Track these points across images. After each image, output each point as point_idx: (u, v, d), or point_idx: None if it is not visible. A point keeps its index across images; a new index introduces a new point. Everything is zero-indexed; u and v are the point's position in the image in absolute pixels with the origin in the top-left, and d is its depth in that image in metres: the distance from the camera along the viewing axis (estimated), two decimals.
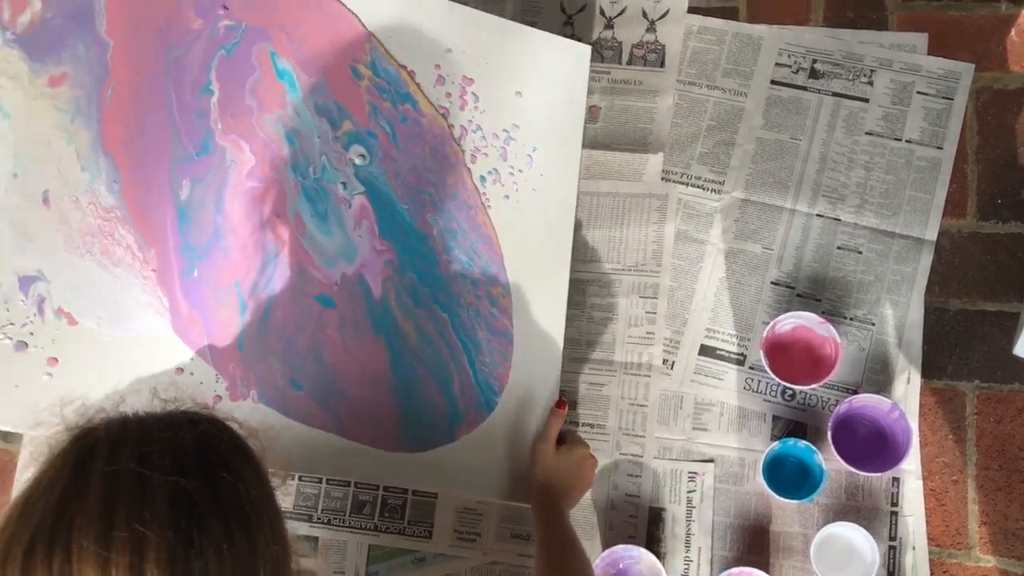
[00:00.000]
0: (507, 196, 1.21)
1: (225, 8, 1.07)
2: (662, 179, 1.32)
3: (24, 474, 0.63)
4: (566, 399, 1.21)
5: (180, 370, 1.03)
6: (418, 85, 1.16)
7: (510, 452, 1.16)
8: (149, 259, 1.02)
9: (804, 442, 1.16)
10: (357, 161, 1.12)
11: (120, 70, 1.03)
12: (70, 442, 0.64)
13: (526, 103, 1.22)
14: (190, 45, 1.06)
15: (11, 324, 0.96)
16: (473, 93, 1.20)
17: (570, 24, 1.41)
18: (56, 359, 0.97)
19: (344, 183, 1.11)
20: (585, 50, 1.27)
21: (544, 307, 1.21)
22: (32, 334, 0.97)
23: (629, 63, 1.38)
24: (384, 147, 1.13)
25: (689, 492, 1.23)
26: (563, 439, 1.16)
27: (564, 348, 1.25)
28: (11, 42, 0.99)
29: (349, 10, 1.13)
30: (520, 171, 1.22)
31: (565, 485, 1.11)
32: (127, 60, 1.03)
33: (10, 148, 0.98)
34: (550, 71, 1.24)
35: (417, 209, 1.14)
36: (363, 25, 1.13)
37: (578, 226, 1.31)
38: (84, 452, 0.62)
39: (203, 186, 1.05)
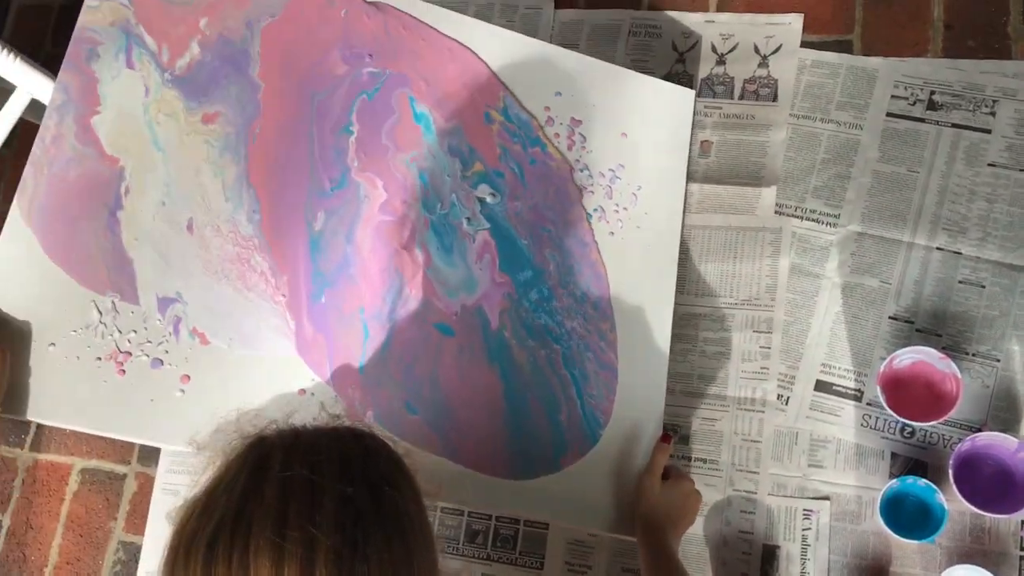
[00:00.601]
0: (612, 233, 1.29)
1: (370, 56, 1.20)
2: (776, 212, 1.38)
3: (202, 476, 0.73)
4: (671, 433, 1.27)
5: (302, 390, 1.12)
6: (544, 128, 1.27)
7: (614, 484, 1.22)
8: (280, 285, 1.13)
9: (924, 480, 1.19)
10: (488, 199, 1.22)
11: (269, 110, 1.16)
12: (246, 448, 0.73)
13: (631, 144, 1.31)
14: (334, 89, 1.19)
15: (148, 342, 1.07)
16: (580, 133, 1.30)
17: (681, 61, 1.48)
18: (188, 376, 1.07)
19: (469, 219, 1.21)
20: (689, 94, 1.37)
21: (648, 342, 1.28)
22: (167, 352, 1.07)
23: (741, 98, 1.44)
24: (510, 186, 1.24)
25: (804, 530, 1.26)
26: (667, 474, 1.21)
27: (676, 382, 1.31)
28: (168, 82, 1.14)
29: (482, 60, 1.25)
30: (625, 209, 1.30)
31: (671, 519, 1.16)
32: (276, 101, 1.17)
33: (161, 179, 1.11)
34: (655, 113, 1.34)
35: (536, 245, 1.23)
36: (495, 74, 1.25)
37: (691, 260, 1.37)
38: (260, 458, 0.71)
39: (336, 218, 1.16)
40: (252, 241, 1.13)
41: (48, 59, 1.80)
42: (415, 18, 1.26)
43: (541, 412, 1.20)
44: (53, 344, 1.04)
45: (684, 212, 1.36)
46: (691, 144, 1.43)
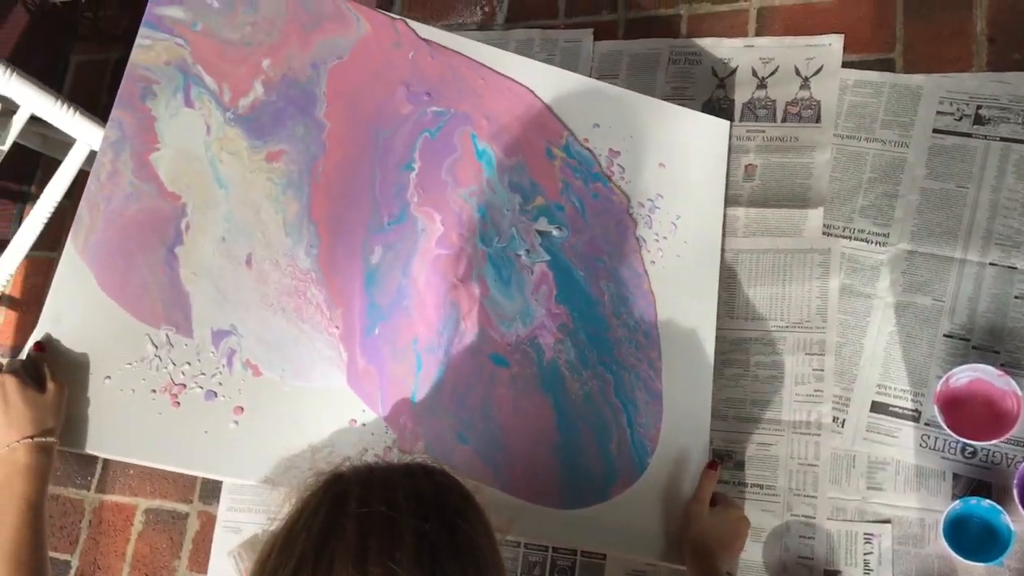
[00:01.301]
0: (653, 262, 1.31)
1: (428, 95, 1.24)
2: (823, 234, 1.37)
3: (279, 513, 0.75)
4: (718, 459, 1.26)
5: (353, 420, 1.14)
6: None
7: (662, 512, 1.22)
8: (335, 317, 1.15)
9: (988, 501, 1.17)
10: (554, 233, 1.24)
11: (333, 148, 1.20)
12: (323, 485, 0.74)
13: (669, 173, 1.33)
14: (398, 127, 1.23)
15: (202, 374, 1.08)
16: (619, 165, 1.33)
17: (722, 87, 1.49)
18: (242, 408, 1.09)
19: (528, 251, 1.23)
20: (724, 125, 1.39)
21: (692, 369, 1.28)
22: (221, 384, 1.09)
23: (784, 120, 1.45)
24: (570, 219, 1.26)
25: (866, 554, 1.25)
26: (714, 500, 1.21)
27: (729, 408, 1.31)
28: (231, 121, 1.17)
29: (540, 99, 1.29)
30: (665, 238, 1.31)
31: (720, 546, 1.16)
32: (340, 140, 1.20)
33: (222, 215, 1.14)
34: (692, 144, 1.36)
35: (592, 276, 1.25)
36: (554, 113, 1.29)
37: (739, 284, 1.37)
38: (338, 495, 0.72)
39: (393, 252, 1.19)
40: (310, 275, 1.15)
41: (105, 111, 1.86)
42: (475, 60, 1.30)
43: (592, 441, 1.20)
44: (108, 377, 1.06)
45: (723, 239, 1.37)
46: (735, 168, 1.43)
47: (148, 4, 1.19)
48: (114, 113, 1.15)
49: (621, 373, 1.23)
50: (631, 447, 1.21)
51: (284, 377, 1.11)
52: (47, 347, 1.05)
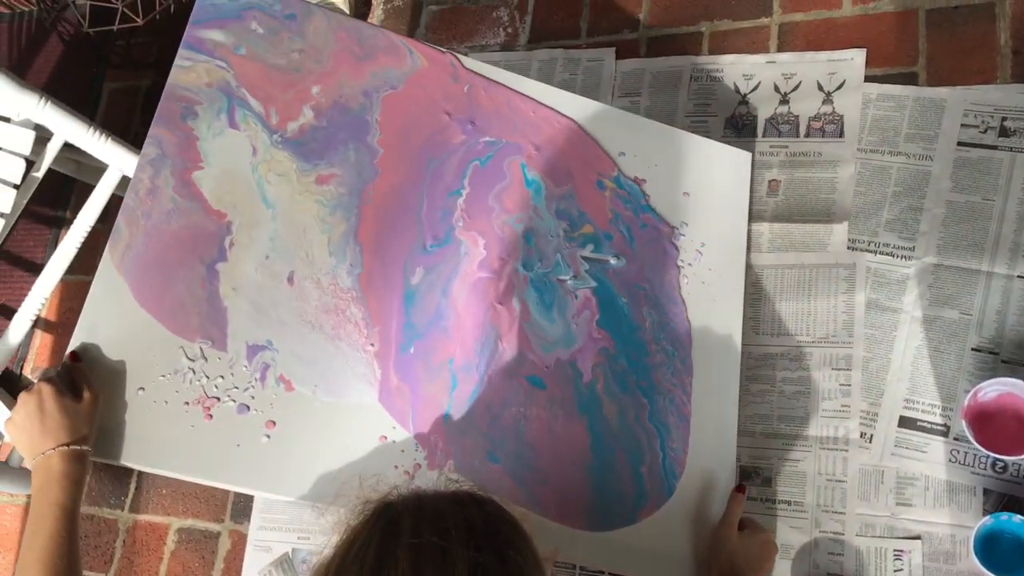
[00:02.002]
0: (680, 289, 1.32)
1: (480, 125, 1.27)
2: (848, 248, 1.37)
3: (330, 540, 0.76)
4: (744, 482, 1.25)
5: (383, 437, 1.14)
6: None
7: (690, 536, 1.21)
8: (372, 335, 1.16)
9: (1020, 516, 1.16)
10: (612, 262, 1.26)
11: (385, 174, 1.22)
12: (374, 514, 0.75)
13: (693, 202, 1.35)
14: (449, 156, 1.25)
15: (235, 387, 1.08)
16: (645, 192, 1.34)
17: (745, 103, 1.50)
18: (274, 422, 1.09)
19: (575, 276, 1.25)
20: (746, 156, 1.41)
21: (719, 394, 1.27)
22: (253, 398, 1.09)
23: (807, 135, 1.45)
24: (618, 248, 1.28)
25: (896, 571, 1.24)
26: (743, 524, 1.20)
27: (756, 424, 1.31)
28: (278, 143, 1.19)
29: (590, 135, 1.33)
30: (690, 264, 1.32)
31: (749, 570, 1.15)
32: (393, 165, 1.22)
33: (267, 234, 1.15)
34: (714, 174, 1.37)
35: (635, 302, 1.26)
36: (603, 147, 1.32)
37: (765, 299, 1.37)
38: (389, 524, 0.73)
39: (434, 274, 1.20)
40: (350, 293, 1.16)
41: (137, 137, 1.90)
42: (525, 94, 1.33)
43: (626, 464, 1.20)
44: (142, 389, 1.06)
45: (747, 264, 1.38)
46: (759, 184, 1.44)
47: (188, 26, 1.20)
48: (152, 131, 1.15)
49: (657, 398, 1.23)
50: (661, 471, 1.21)
51: (316, 393, 1.11)
52: (82, 357, 1.06)
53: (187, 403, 1.06)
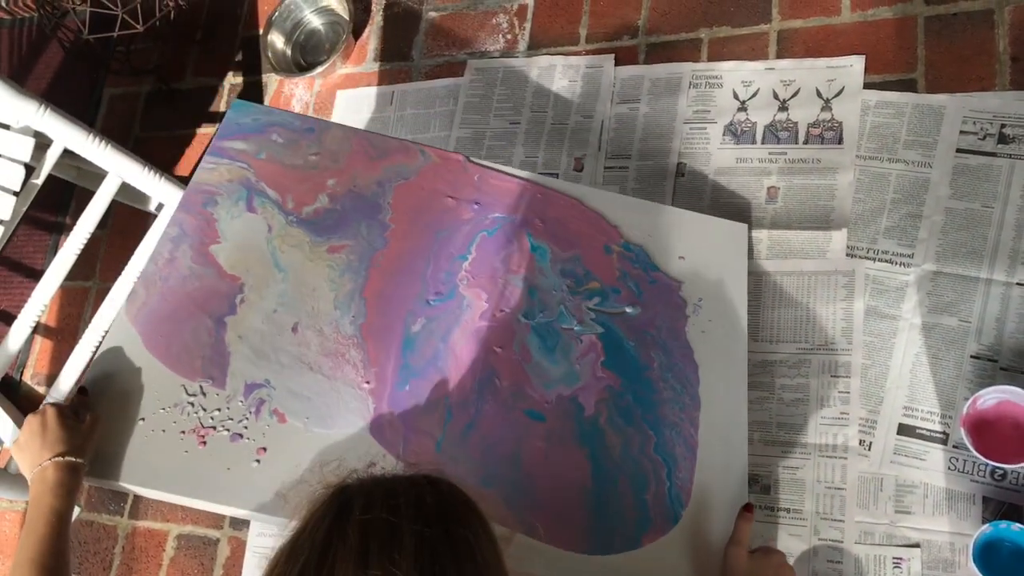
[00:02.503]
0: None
1: (481, 204, 1.34)
2: (847, 255, 1.37)
3: (289, 525, 0.77)
4: (753, 504, 1.23)
5: (372, 464, 1.13)
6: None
7: (697, 561, 1.17)
8: (369, 375, 1.19)
9: (1019, 525, 1.15)
10: (628, 310, 1.28)
11: (394, 243, 1.29)
12: (330, 496, 0.76)
13: (689, 265, 1.35)
14: (458, 227, 1.32)
15: (230, 419, 1.13)
16: (649, 253, 1.35)
17: (743, 109, 1.50)
18: (265, 449, 1.12)
19: (579, 323, 1.26)
20: (742, 228, 1.40)
21: (727, 425, 1.25)
22: (247, 427, 1.13)
23: (806, 142, 1.45)
24: (626, 300, 1.29)
25: None
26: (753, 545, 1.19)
27: (754, 431, 1.31)
28: (293, 223, 1.29)
29: (594, 211, 1.37)
30: (687, 316, 1.31)
31: None
32: (402, 237, 1.30)
33: (277, 292, 1.23)
34: (709, 243, 1.37)
35: (642, 345, 1.26)
36: (608, 221, 1.36)
37: (763, 306, 1.37)
38: (343, 504, 0.74)
39: (435, 323, 1.23)
40: (352, 340, 1.21)
41: (137, 142, 1.91)
42: (534, 182, 1.38)
43: (628, 490, 1.18)
44: (143, 419, 1.12)
45: (746, 274, 1.37)
46: (757, 191, 1.44)
47: (215, 138, 1.34)
48: (176, 215, 1.27)
49: (664, 430, 1.22)
50: (667, 499, 1.19)
51: (308, 425, 1.15)
52: (90, 391, 1.13)
53: (183, 432, 1.12)
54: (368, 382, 1.18)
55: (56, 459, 1.02)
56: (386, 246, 1.28)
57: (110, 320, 1.43)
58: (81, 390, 1.14)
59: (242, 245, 1.26)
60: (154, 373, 1.15)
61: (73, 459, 1.03)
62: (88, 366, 1.43)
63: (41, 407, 1.09)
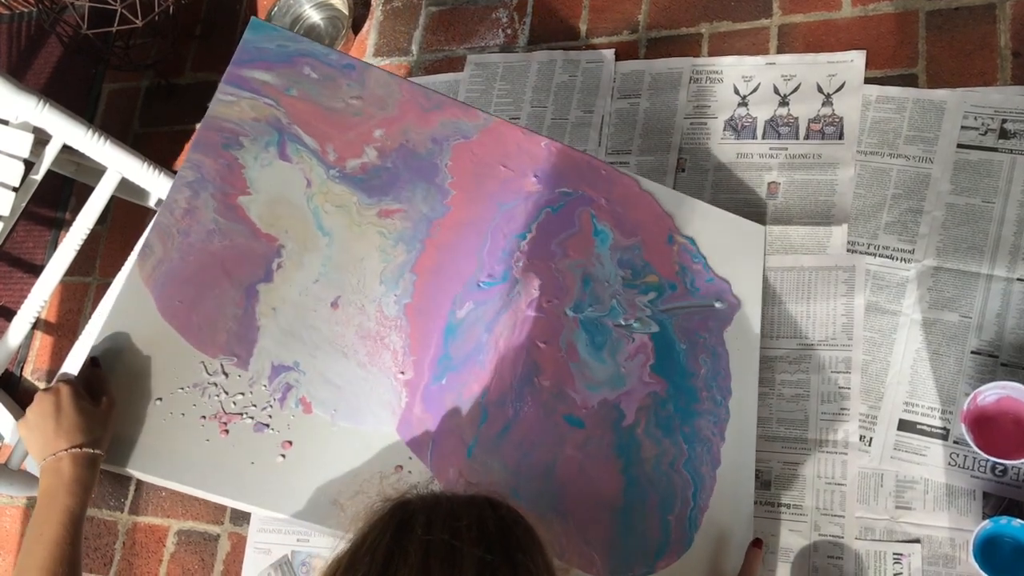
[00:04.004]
0: None
1: (546, 175, 1.25)
2: (848, 251, 1.37)
3: (346, 535, 0.76)
4: (762, 538, 1.22)
5: (399, 467, 1.08)
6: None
7: None
8: (406, 364, 1.11)
9: (1019, 521, 1.15)
10: (717, 305, 1.26)
11: (454, 212, 1.19)
12: (390, 511, 0.75)
13: (713, 264, 1.33)
14: (522, 201, 1.23)
15: (253, 406, 1.04)
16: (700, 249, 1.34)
17: (744, 105, 1.49)
18: (291, 442, 1.04)
19: (635, 322, 1.22)
20: (759, 229, 1.39)
21: (737, 446, 1.25)
22: (271, 417, 1.05)
23: (807, 138, 1.44)
24: (681, 297, 1.26)
25: (895, 575, 1.23)
26: None
27: (756, 426, 1.30)
28: (336, 178, 1.16)
29: (650, 194, 1.32)
30: (731, 321, 1.31)
31: None
32: (463, 205, 1.20)
33: (320, 259, 1.12)
34: (728, 243, 1.35)
35: (692, 349, 1.24)
36: (663, 208, 1.32)
37: (763, 302, 1.37)
38: (404, 520, 0.73)
39: (482, 309, 1.16)
40: (394, 322, 1.12)
41: (136, 138, 1.90)
42: (594, 156, 1.32)
43: (655, 510, 1.16)
44: (159, 399, 1.02)
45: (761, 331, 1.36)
46: (758, 186, 1.43)
47: (231, 64, 1.17)
48: (192, 156, 1.12)
49: (696, 446, 1.20)
50: (687, 521, 1.17)
51: (334, 417, 1.07)
52: (101, 363, 1.02)
53: (204, 417, 1.03)
54: (403, 372, 1.10)
55: (73, 451, 0.93)
56: (445, 215, 1.18)
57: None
58: (93, 362, 1.01)
59: (277, 199, 1.13)
60: (171, 346, 1.04)
61: (92, 451, 0.94)
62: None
63: (55, 384, 0.97)
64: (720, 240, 1.34)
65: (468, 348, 1.14)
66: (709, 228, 1.34)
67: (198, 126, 1.14)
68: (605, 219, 1.26)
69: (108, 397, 0.98)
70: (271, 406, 1.05)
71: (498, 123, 1.26)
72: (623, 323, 1.21)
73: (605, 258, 1.23)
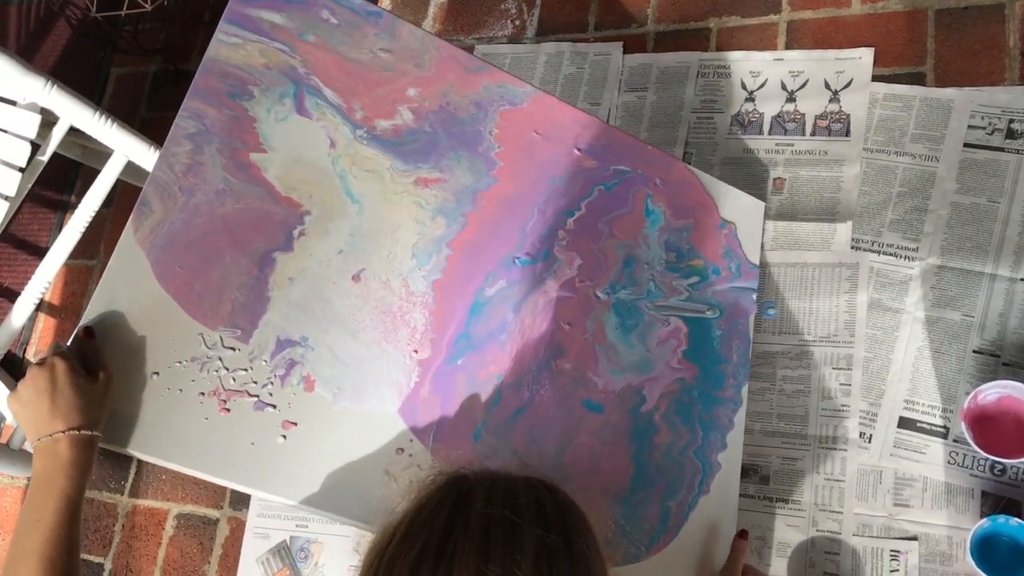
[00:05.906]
0: None
1: (601, 150, 1.19)
2: (852, 248, 1.37)
3: (399, 505, 0.77)
4: (748, 530, 1.22)
5: (400, 450, 1.04)
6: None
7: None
8: (424, 342, 1.05)
9: (1017, 520, 1.15)
10: (769, 312, 1.28)
11: (500, 185, 1.12)
12: (448, 482, 0.76)
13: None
14: (575, 175, 1.16)
15: (253, 382, 0.98)
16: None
17: (751, 100, 1.49)
18: (293, 423, 0.99)
19: (671, 306, 1.21)
20: (759, 205, 1.39)
21: (736, 435, 1.25)
22: (271, 394, 0.98)
23: (813, 134, 1.44)
24: (724, 282, 1.26)
25: (892, 572, 1.24)
26: (746, 571, 1.18)
27: (755, 422, 1.31)
28: (363, 139, 1.06)
29: (696, 176, 1.31)
30: (756, 306, 1.33)
31: None
32: (511, 177, 1.13)
33: (348, 228, 1.04)
34: (727, 212, 1.35)
35: (727, 336, 1.23)
36: (707, 192, 1.30)
37: (766, 297, 1.37)
38: (462, 493, 0.74)
39: (513, 288, 1.10)
40: (420, 298, 1.06)
41: (144, 122, 1.91)
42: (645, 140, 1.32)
43: (658, 497, 1.15)
44: (156, 374, 0.95)
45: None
46: (763, 182, 1.43)
47: (231, 1, 1.06)
48: (190, 103, 1.02)
49: (711, 433, 1.19)
50: (686, 509, 1.16)
51: (336, 397, 1.01)
52: (96, 334, 0.94)
53: (202, 393, 0.96)
54: (417, 351, 1.04)
55: (71, 433, 0.87)
56: (489, 188, 1.10)
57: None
58: (87, 331, 0.94)
59: (297, 160, 1.03)
60: (168, 316, 0.96)
61: (89, 432, 0.88)
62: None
63: (48, 357, 0.90)
64: (747, 227, 1.35)
65: (491, 327, 1.08)
66: (739, 214, 1.34)
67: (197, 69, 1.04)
68: (660, 200, 1.22)
69: (105, 372, 0.92)
70: (271, 383, 0.99)
71: (545, 95, 1.18)
72: (658, 306, 1.19)
73: (652, 240, 1.20)
